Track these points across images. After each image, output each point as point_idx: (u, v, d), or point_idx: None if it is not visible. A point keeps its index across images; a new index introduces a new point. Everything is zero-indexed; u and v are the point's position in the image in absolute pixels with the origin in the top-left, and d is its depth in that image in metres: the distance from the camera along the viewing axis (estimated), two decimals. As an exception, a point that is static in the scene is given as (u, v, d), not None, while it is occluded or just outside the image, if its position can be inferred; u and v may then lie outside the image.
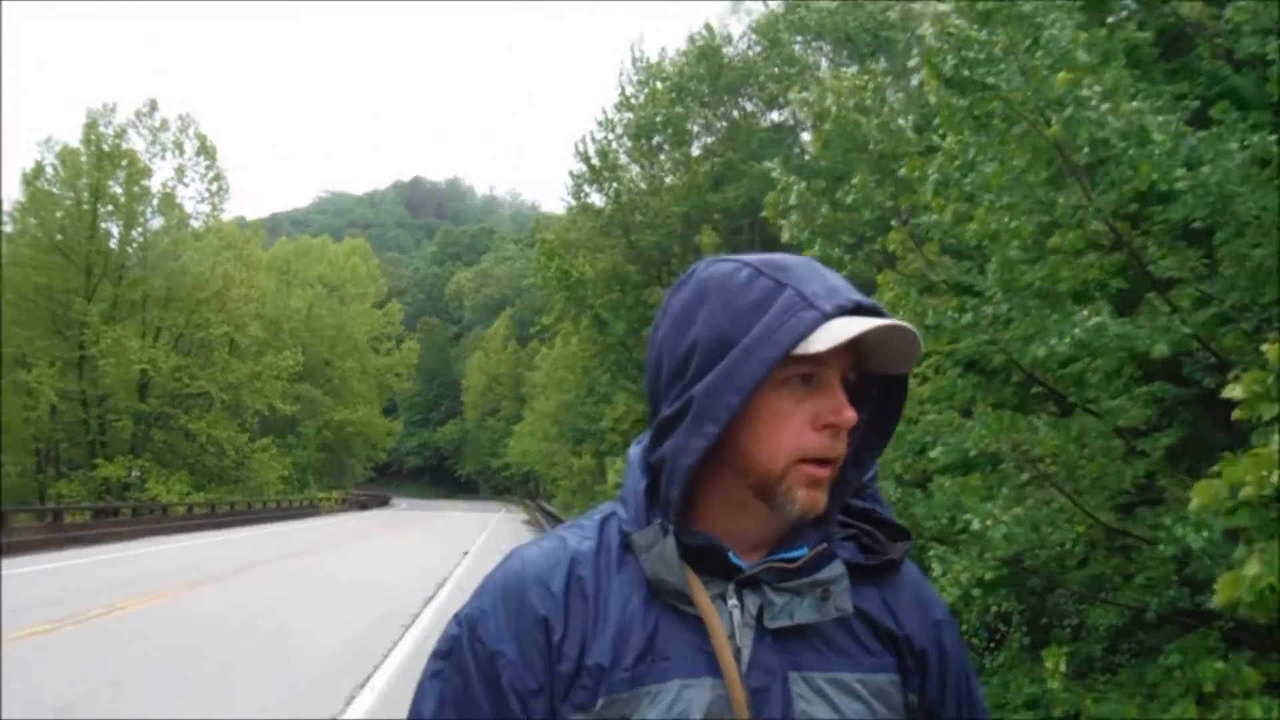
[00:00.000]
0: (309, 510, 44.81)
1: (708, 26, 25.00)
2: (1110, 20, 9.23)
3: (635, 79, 26.70)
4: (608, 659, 1.09)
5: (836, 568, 1.14)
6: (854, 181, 8.27)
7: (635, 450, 1.21)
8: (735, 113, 26.48)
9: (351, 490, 63.49)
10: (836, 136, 8.90)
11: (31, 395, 31.13)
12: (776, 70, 23.37)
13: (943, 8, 7.08)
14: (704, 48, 24.17)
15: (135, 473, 34.11)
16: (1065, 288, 7.38)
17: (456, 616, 1.17)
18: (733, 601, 1.12)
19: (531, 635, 1.11)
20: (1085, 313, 6.22)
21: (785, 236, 8.75)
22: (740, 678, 1.08)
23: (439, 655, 1.15)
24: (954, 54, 6.56)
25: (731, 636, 1.10)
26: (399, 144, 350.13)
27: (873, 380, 1.18)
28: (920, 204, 7.88)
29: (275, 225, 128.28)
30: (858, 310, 1.08)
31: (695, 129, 26.60)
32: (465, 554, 23.41)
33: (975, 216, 7.18)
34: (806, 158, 9.80)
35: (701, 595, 1.11)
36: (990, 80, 6.46)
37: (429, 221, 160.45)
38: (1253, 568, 3.79)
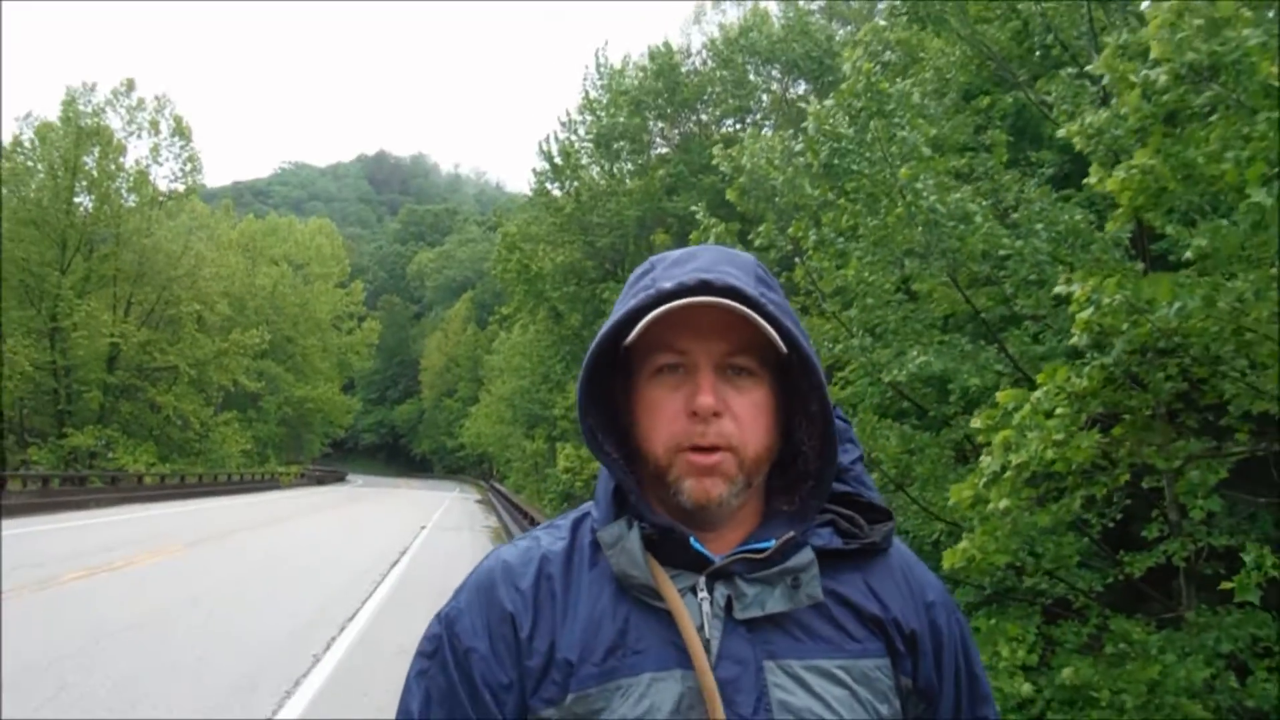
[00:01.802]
0: (270, 484, 46.42)
1: (666, 44, 26.73)
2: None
3: (599, 83, 28.43)
4: (576, 654, 1.10)
5: (805, 555, 1.14)
6: (760, 229, 10.13)
7: None
8: (692, 123, 28.26)
9: (308, 465, 64.55)
10: (751, 187, 10.75)
11: (6, 364, 32.10)
12: (725, 90, 25.32)
13: (828, 103, 8.95)
14: (662, 65, 25.89)
15: (103, 442, 35.22)
16: (921, 325, 9.28)
17: (438, 615, 1.21)
18: (702, 594, 1.12)
19: (500, 631, 1.13)
20: (915, 352, 8.11)
21: (704, 271, 10.61)
22: (710, 668, 1.08)
23: (423, 654, 1.18)
24: (829, 145, 8.43)
25: (701, 628, 1.10)
26: (363, 117, 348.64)
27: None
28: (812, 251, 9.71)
29: (237, 195, 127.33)
30: (706, 291, 1.09)
31: (654, 138, 28.37)
32: (423, 528, 25.31)
33: (850, 265, 9.07)
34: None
35: (668, 587, 1.11)
36: (855, 167, 8.33)
37: (392, 197, 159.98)
38: (963, 544, 5.69)
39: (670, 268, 1.15)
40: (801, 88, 26.27)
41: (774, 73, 25.96)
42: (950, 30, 10.61)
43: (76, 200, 36.27)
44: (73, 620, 9.33)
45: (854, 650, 1.14)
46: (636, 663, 1.10)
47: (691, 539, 1.12)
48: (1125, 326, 5.47)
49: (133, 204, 36.75)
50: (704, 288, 1.08)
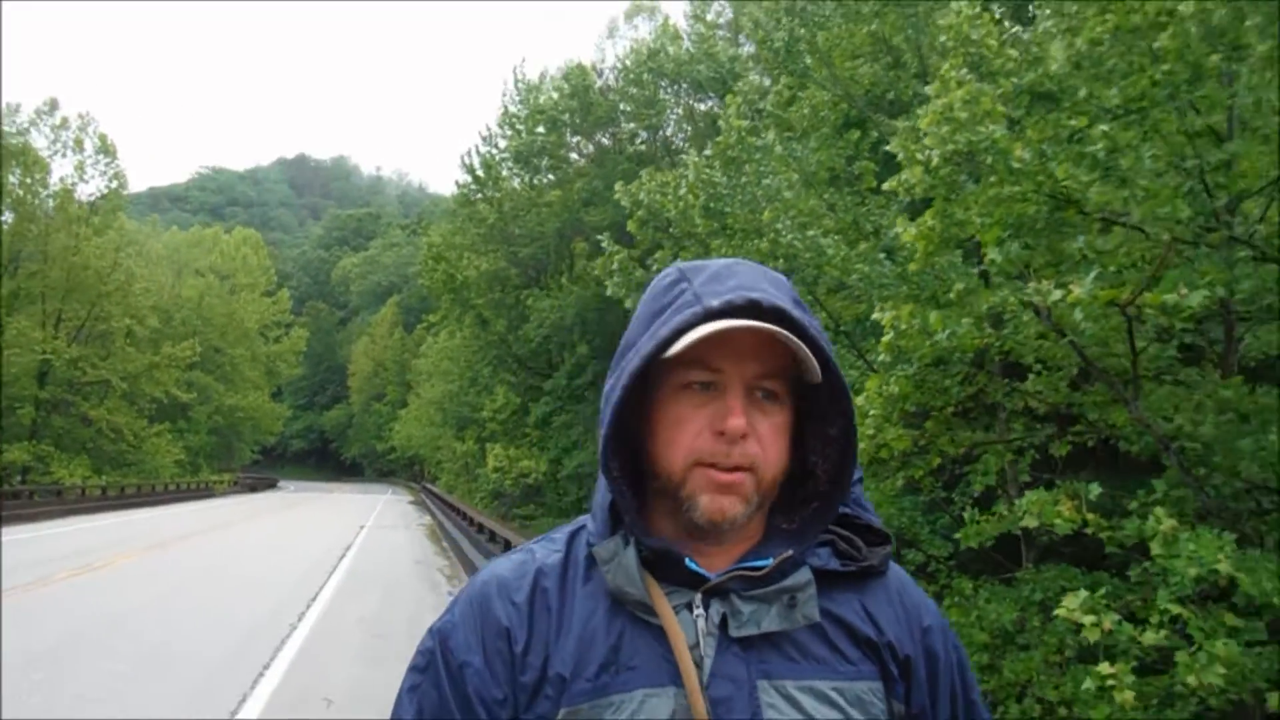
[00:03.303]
0: (205, 492, 47.14)
1: (579, 65, 28.29)
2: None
3: (517, 99, 29.88)
4: (570, 669, 1.11)
5: (803, 575, 1.14)
6: (656, 255, 11.78)
7: None
8: (606, 137, 29.86)
9: (239, 473, 64.98)
10: (647, 219, 12.38)
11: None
12: (635, 109, 27.07)
13: (707, 153, 10.64)
14: (576, 85, 27.45)
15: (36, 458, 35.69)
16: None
17: (430, 629, 1.21)
18: (698, 611, 1.13)
19: (495, 646, 1.14)
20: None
21: (609, 292, 12.29)
22: (701, 687, 1.08)
23: (415, 669, 1.18)
24: (705, 192, 10.11)
25: (695, 646, 1.10)
26: (282, 120, 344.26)
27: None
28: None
29: (154, 201, 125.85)
30: (754, 312, 1.08)
31: (570, 151, 29.93)
32: (362, 527, 26.81)
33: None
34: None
35: (663, 604, 1.12)
36: (728, 209, 10.01)
37: (313, 201, 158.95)
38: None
39: (710, 282, 1.13)
40: (707, 104, 28.04)
41: (683, 87, 27.67)
42: (816, 81, 12.36)
43: (3, 219, 36.62)
44: (82, 608, 11.24)
45: (848, 672, 1.14)
46: (630, 679, 1.10)
47: (687, 560, 1.13)
48: (927, 345, 7.16)
49: (56, 220, 37.19)
50: (753, 308, 1.08)
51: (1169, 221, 5.79)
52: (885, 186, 8.62)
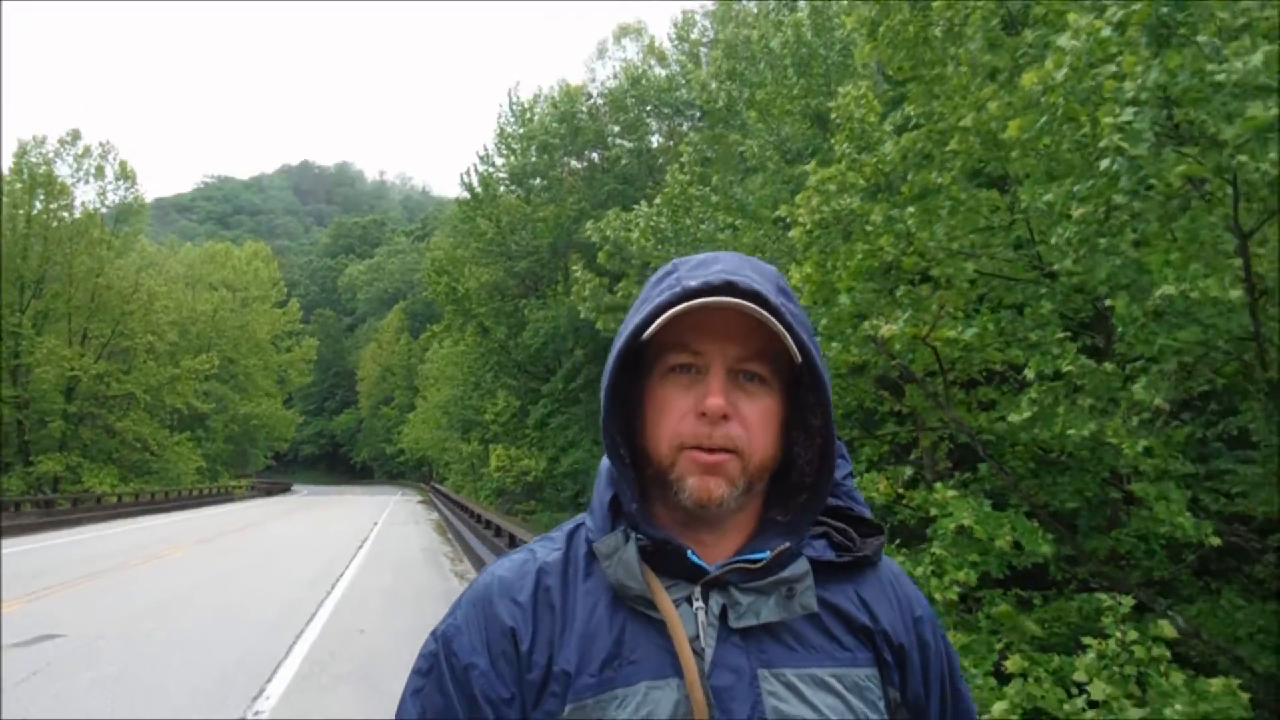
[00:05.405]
0: (225, 497, 49.71)
1: (568, 91, 30.51)
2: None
3: (512, 120, 32.08)
4: (574, 665, 1.13)
5: (800, 566, 1.17)
6: (621, 283, 14.00)
7: (605, 463, 1.25)
8: (595, 156, 32.03)
9: (254, 479, 67.30)
10: (614, 252, 14.62)
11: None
12: (621, 130, 29.31)
13: (657, 201, 12.88)
14: (564, 111, 29.67)
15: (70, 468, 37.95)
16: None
17: (433, 633, 1.22)
18: (698, 603, 1.15)
19: (501, 646, 1.16)
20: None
21: (582, 315, 14.58)
22: (702, 677, 1.11)
23: (419, 672, 1.20)
24: (653, 236, 12.34)
25: (696, 638, 1.13)
26: (285, 126, 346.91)
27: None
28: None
29: (161, 213, 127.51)
30: (730, 293, 1.10)
31: (563, 171, 32.12)
32: (375, 524, 29.43)
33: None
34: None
35: (663, 598, 1.14)
36: (673, 251, 12.23)
37: (318, 207, 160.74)
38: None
39: (695, 268, 1.16)
40: (689, 124, 30.21)
41: (664, 110, 29.84)
42: (756, 132, 14.58)
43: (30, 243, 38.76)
44: (161, 584, 14.28)
45: (845, 659, 1.17)
46: (632, 672, 1.12)
47: (689, 552, 1.15)
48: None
49: (83, 245, 39.40)
50: (729, 288, 1.10)
51: (963, 273, 7.99)
52: (790, 235, 10.80)
